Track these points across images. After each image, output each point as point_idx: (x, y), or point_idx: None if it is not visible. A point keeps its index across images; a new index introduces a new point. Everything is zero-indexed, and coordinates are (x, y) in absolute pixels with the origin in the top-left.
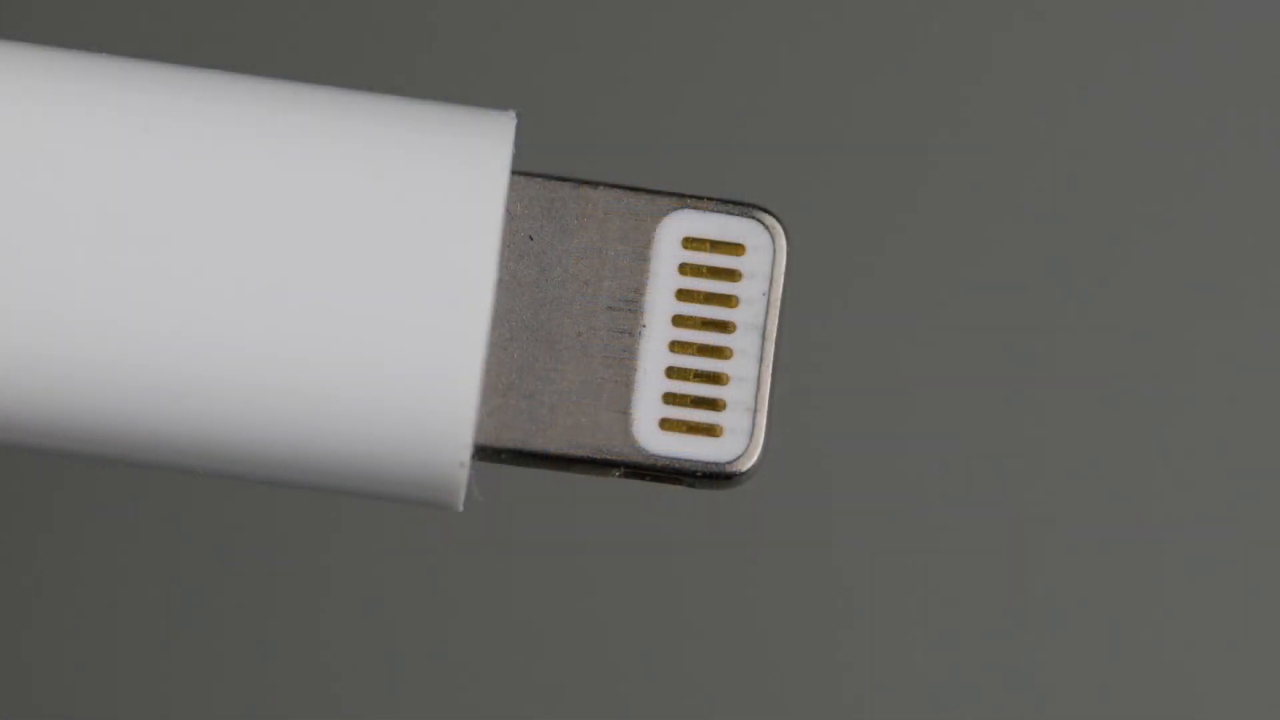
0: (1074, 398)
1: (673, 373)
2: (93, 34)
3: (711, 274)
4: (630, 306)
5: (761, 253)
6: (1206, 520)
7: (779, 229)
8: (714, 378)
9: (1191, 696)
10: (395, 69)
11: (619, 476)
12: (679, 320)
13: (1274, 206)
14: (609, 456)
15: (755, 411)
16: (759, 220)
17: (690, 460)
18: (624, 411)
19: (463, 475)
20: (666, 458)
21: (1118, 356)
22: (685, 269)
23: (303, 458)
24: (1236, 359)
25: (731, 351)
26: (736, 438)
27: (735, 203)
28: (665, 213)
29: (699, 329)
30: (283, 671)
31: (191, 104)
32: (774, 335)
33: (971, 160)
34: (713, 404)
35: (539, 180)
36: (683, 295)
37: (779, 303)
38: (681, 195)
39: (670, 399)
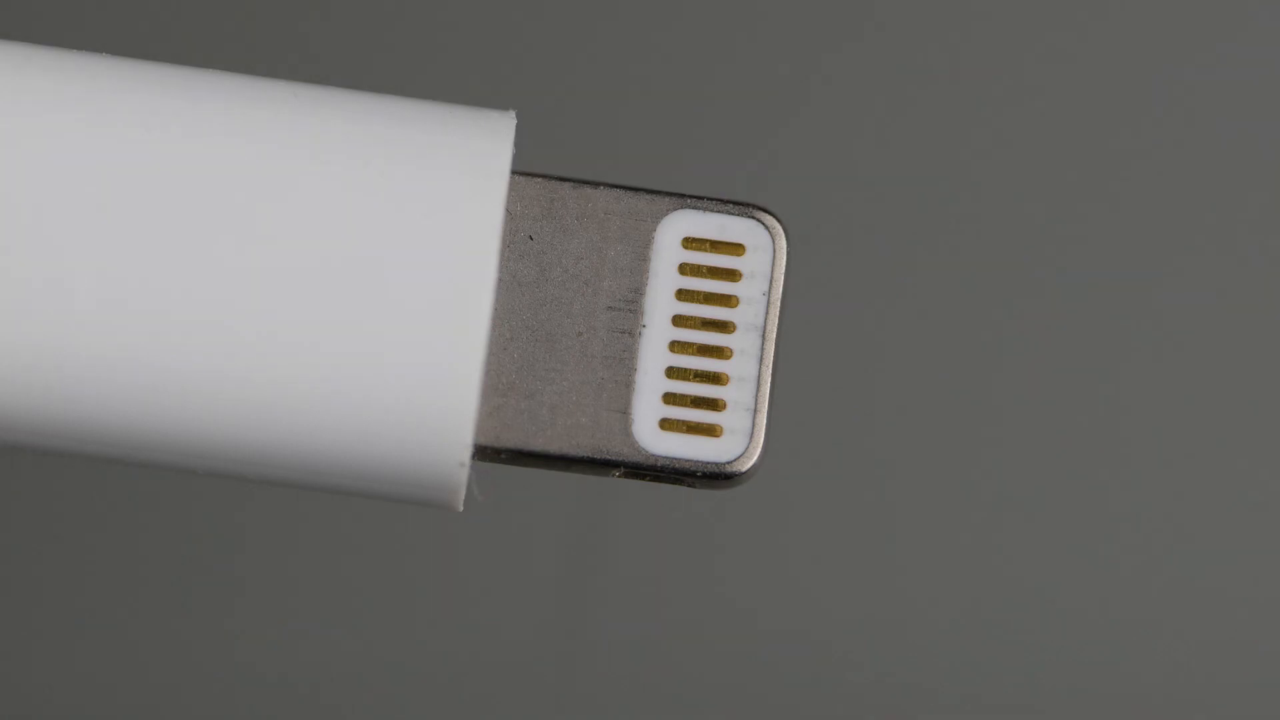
0: (1075, 397)
1: (673, 373)
2: (93, 34)
3: (711, 274)
4: (630, 306)
5: (761, 253)
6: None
7: (779, 229)
8: (714, 378)
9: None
10: (395, 69)
11: (619, 476)
12: (679, 320)
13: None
14: (609, 456)
15: (755, 411)
16: (759, 220)
17: (690, 460)
18: (624, 411)
19: (463, 475)
20: (666, 458)
21: (1120, 357)
22: (685, 269)
23: (303, 457)
24: (1238, 361)
25: (731, 351)
26: (736, 438)
27: (735, 203)
28: (665, 213)
29: (699, 329)
30: (282, 671)
31: (191, 104)
32: (774, 335)
33: (972, 160)
34: (713, 404)
35: (539, 180)
36: (683, 295)
37: (779, 303)
38: (681, 195)
39: (670, 399)
